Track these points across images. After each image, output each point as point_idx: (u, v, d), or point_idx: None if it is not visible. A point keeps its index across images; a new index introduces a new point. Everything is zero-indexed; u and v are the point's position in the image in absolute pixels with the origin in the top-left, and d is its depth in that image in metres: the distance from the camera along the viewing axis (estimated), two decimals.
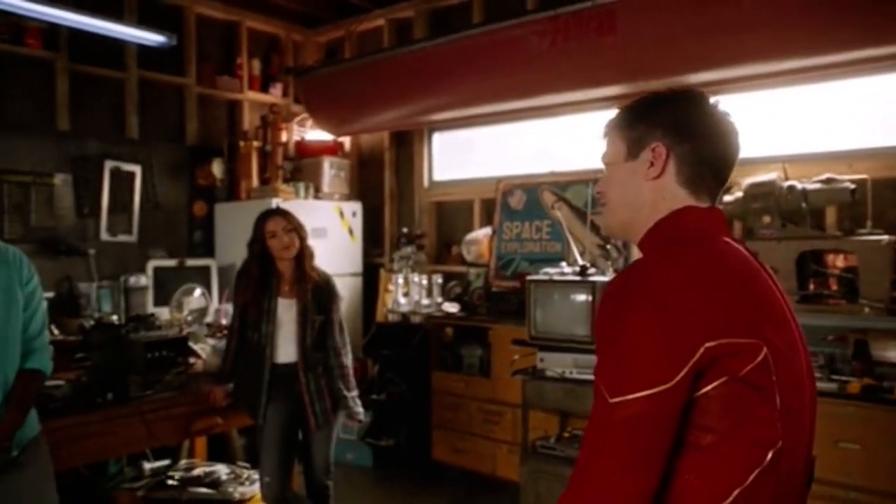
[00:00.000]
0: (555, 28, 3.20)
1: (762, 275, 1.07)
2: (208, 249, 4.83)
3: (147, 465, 3.58)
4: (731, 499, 0.94)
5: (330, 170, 4.92)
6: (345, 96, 4.48)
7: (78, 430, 2.61)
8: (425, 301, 4.37)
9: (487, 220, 4.54)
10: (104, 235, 4.32)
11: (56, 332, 3.72)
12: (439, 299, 4.40)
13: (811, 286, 3.16)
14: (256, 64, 5.15)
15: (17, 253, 2.35)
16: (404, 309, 4.42)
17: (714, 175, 1.12)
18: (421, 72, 4.11)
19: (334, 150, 5.07)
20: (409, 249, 4.69)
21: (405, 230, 4.85)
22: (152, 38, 3.91)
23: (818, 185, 3.18)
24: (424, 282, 4.41)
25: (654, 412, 0.93)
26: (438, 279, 4.48)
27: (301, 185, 4.69)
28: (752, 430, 0.95)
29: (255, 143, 4.78)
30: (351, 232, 4.94)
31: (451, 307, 4.24)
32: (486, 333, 3.99)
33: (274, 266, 2.91)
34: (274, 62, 5.28)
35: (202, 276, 4.35)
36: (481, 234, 4.42)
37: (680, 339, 0.93)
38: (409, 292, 4.46)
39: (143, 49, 4.38)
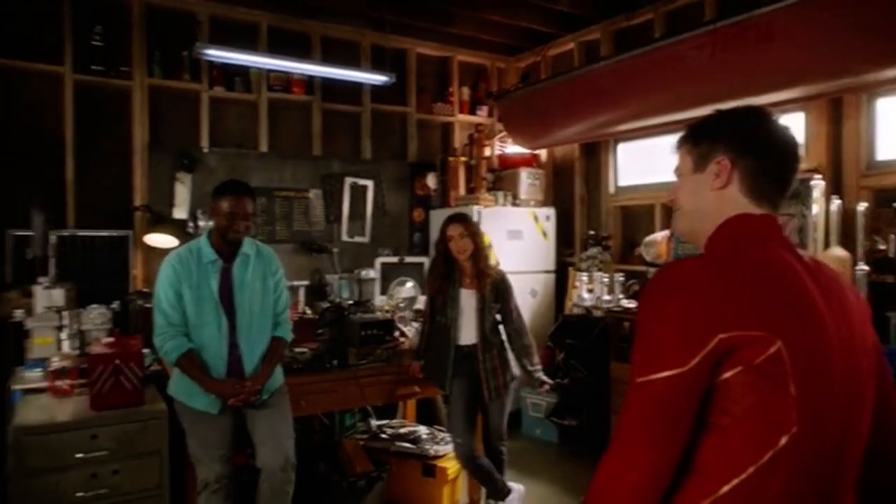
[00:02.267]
0: (713, 41, 3.15)
1: (792, 277, 1.07)
2: (424, 248, 5.41)
3: (373, 422, 4.20)
4: (744, 475, 0.98)
5: (526, 179, 5.22)
6: (536, 114, 4.74)
7: (311, 387, 3.22)
8: (607, 297, 4.48)
9: (667, 223, 4.51)
10: (344, 237, 5.09)
11: (308, 311, 4.51)
12: (620, 296, 4.48)
13: None
14: (466, 90, 5.63)
15: (269, 250, 2.94)
16: (587, 303, 4.57)
17: (775, 184, 1.16)
18: (600, 88, 4.22)
19: (530, 161, 5.36)
20: (594, 250, 4.82)
21: (592, 232, 4.99)
22: (378, 78, 4.55)
23: None
24: (606, 279, 4.52)
25: (672, 392, 1.00)
26: (620, 277, 4.55)
27: (500, 194, 5.05)
28: (766, 415, 0.99)
29: (462, 159, 5.25)
30: (544, 234, 5.18)
31: (629, 303, 4.30)
32: None
33: (456, 262, 3.27)
34: (481, 88, 5.72)
35: (417, 271, 4.90)
36: (660, 236, 4.40)
37: (696, 329, 1.00)
38: (594, 289, 4.59)
39: (374, 86, 5.08)
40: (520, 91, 4.95)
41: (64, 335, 3.29)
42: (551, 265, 5.22)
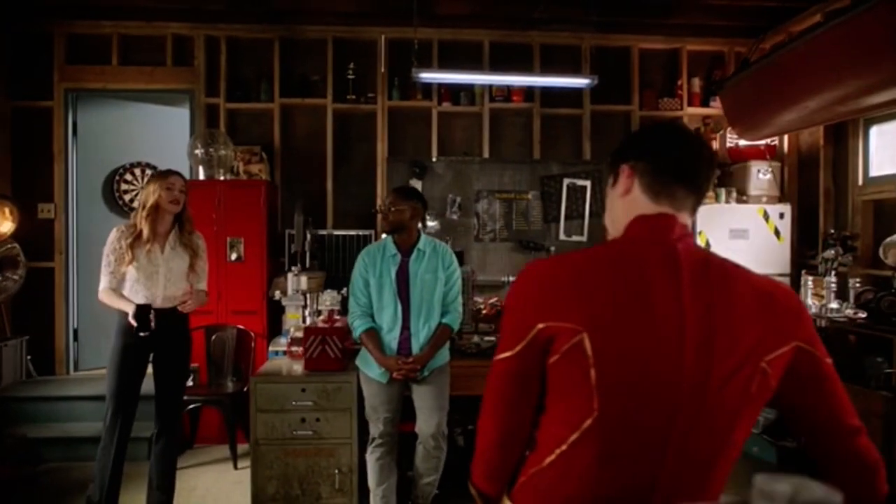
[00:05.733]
0: None
1: (623, 272, 1.14)
2: None
3: None
4: (559, 451, 1.14)
5: (757, 173, 4.84)
6: (757, 98, 4.33)
7: (476, 370, 3.62)
8: (833, 305, 3.97)
9: None
10: (562, 236, 5.36)
11: None
12: (847, 304, 3.94)
13: None
14: (696, 82, 5.42)
15: (445, 248, 3.43)
16: (811, 312, 4.10)
17: (673, 181, 1.21)
18: (842, 50, 3.58)
19: (763, 153, 4.94)
20: (831, 252, 4.27)
21: (832, 231, 4.42)
22: (581, 82, 4.72)
23: None
24: (834, 285, 4.00)
25: (507, 372, 1.20)
26: (857, 283, 3.99)
27: (722, 191, 4.79)
28: (573, 400, 1.12)
29: None
30: (777, 233, 4.74)
31: (857, 313, 3.76)
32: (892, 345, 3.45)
33: None
34: (717, 76, 5.43)
35: None
36: None
37: (524, 319, 1.18)
38: (823, 295, 4.10)
39: (595, 88, 5.23)
40: (738, 75, 4.60)
41: (307, 312, 4.27)
42: (786, 268, 4.75)
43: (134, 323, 3.06)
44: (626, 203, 1.25)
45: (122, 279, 3.25)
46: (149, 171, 5.46)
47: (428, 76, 4.57)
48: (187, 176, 4.77)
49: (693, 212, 1.25)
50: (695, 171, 1.23)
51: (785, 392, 1.16)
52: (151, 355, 3.34)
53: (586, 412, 1.11)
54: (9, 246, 3.85)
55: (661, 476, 1.10)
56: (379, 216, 3.60)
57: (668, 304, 1.11)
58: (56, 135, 5.00)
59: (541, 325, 1.14)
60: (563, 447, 1.13)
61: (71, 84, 5.00)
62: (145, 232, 3.22)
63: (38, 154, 4.98)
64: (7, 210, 3.49)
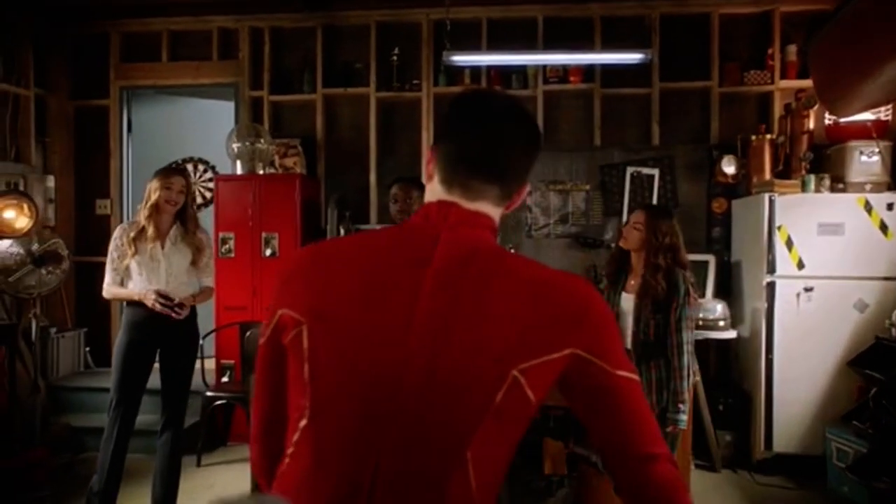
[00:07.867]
0: None
1: (368, 262, 1.07)
2: (726, 244, 4.85)
3: None
4: (291, 450, 1.06)
5: (859, 155, 4.19)
6: (834, 66, 3.68)
7: None
8: None
9: None
10: None
11: None
12: None
13: None
14: (792, 49, 4.79)
15: None
16: None
17: (469, 167, 1.10)
18: None
19: (870, 130, 4.24)
20: None
21: None
22: (634, 57, 4.34)
23: None
24: None
25: (261, 357, 1.16)
26: None
27: (811, 178, 4.18)
28: (295, 395, 1.07)
29: (768, 136, 4.52)
30: (884, 228, 4.07)
31: None
32: None
33: (629, 260, 3.04)
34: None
35: (699, 271, 4.44)
36: None
37: (273, 305, 1.13)
38: None
39: (666, 63, 4.82)
40: (818, 36, 3.92)
41: None
42: (894, 271, 4.06)
43: (159, 300, 3.20)
44: (429, 191, 1.15)
45: (127, 276, 3.40)
46: (201, 167, 5.72)
47: (462, 59, 4.39)
48: (228, 170, 4.98)
49: (500, 201, 1.13)
50: (493, 159, 1.10)
51: (573, 406, 1.06)
52: (158, 351, 3.46)
53: (303, 410, 1.04)
54: (52, 241, 4.15)
55: (377, 490, 0.97)
56: (395, 211, 3.43)
57: (398, 298, 1.02)
58: (112, 132, 5.35)
59: (280, 312, 1.10)
60: (292, 448, 1.06)
61: (125, 82, 5.32)
62: (148, 228, 3.34)
63: (96, 151, 5.36)
64: (25, 206, 3.75)
